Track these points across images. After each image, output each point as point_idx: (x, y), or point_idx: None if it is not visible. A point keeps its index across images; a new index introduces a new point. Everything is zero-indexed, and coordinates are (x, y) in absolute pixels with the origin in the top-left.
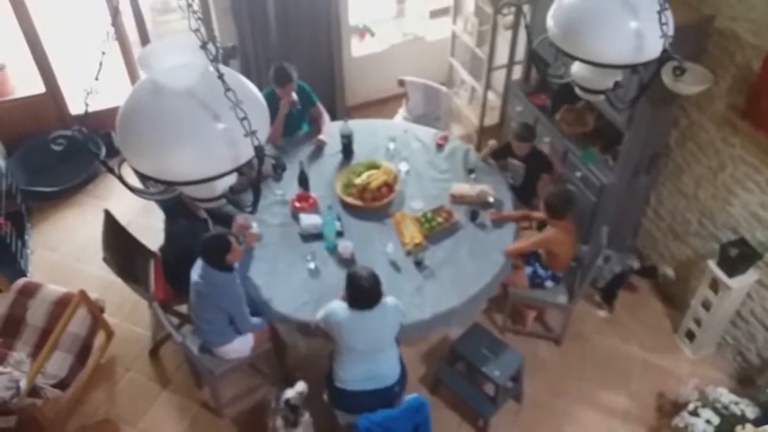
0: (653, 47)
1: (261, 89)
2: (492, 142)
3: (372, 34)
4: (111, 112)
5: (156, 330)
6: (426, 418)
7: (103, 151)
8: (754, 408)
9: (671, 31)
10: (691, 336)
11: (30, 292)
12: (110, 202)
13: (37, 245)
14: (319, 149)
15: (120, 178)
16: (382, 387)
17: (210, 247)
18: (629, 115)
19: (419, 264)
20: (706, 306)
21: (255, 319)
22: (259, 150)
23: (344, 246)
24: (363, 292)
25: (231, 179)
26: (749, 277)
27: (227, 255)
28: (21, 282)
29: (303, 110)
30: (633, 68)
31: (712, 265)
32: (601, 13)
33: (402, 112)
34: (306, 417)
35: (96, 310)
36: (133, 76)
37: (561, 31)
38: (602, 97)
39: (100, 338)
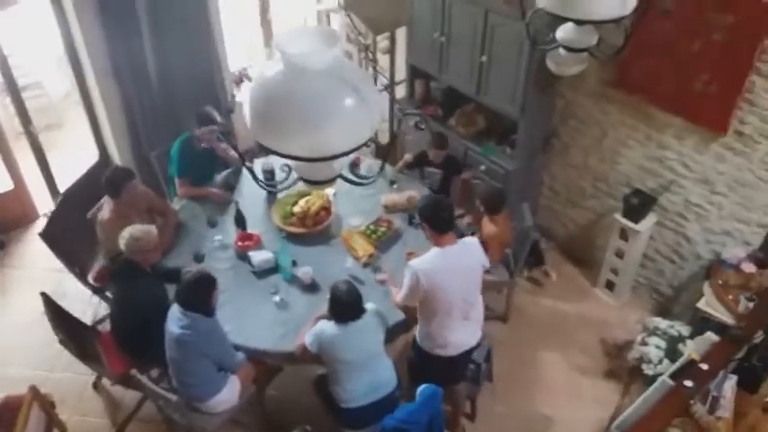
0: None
1: (151, 146)
2: (407, 156)
3: (250, 80)
4: None
5: (115, 413)
6: (440, 404)
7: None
8: (686, 327)
9: None
10: (610, 285)
11: None
12: (12, 296)
13: None
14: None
15: (255, 177)
16: (385, 395)
17: (195, 288)
18: (520, 105)
19: (378, 272)
20: (619, 255)
21: (240, 354)
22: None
23: (304, 271)
24: (347, 305)
25: (348, 159)
26: (650, 220)
27: (212, 294)
28: None
29: (214, 157)
30: (618, 21)
31: (619, 216)
32: None
33: None
34: None
35: (48, 407)
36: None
37: (558, 0)
38: (585, 55)
39: None
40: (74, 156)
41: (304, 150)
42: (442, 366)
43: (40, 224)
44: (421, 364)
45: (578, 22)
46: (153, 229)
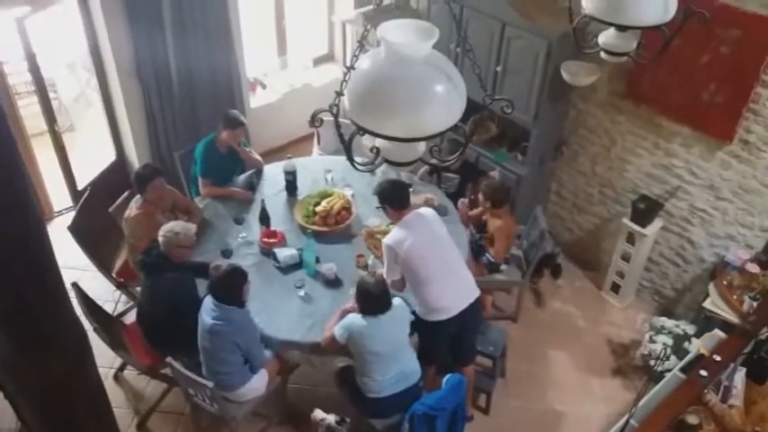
0: (671, 7)
1: (170, 147)
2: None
3: (264, 86)
4: None
5: (136, 405)
6: (464, 394)
7: None
8: (691, 326)
9: None
10: (616, 288)
11: None
12: None
13: None
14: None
15: (351, 160)
16: (410, 385)
17: (228, 282)
18: (534, 114)
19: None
20: (626, 258)
21: (267, 352)
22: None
23: (328, 267)
24: (375, 298)
25: (424, 145)
26: (656, 225)
27: (244, 287)
28: None
29: (237, 159)
30: (659, 27)
31: (626, 221)
32: None
33: (317, 150)
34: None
35: None
36: None
37: (603, 5)
38: (624, 58)
39: None
40: (87, 157)
41: (402, 131)
42: (444, 334)
43: (57, 222)
44: (426, 336)
45: (620, 28)
46: (192, 226)
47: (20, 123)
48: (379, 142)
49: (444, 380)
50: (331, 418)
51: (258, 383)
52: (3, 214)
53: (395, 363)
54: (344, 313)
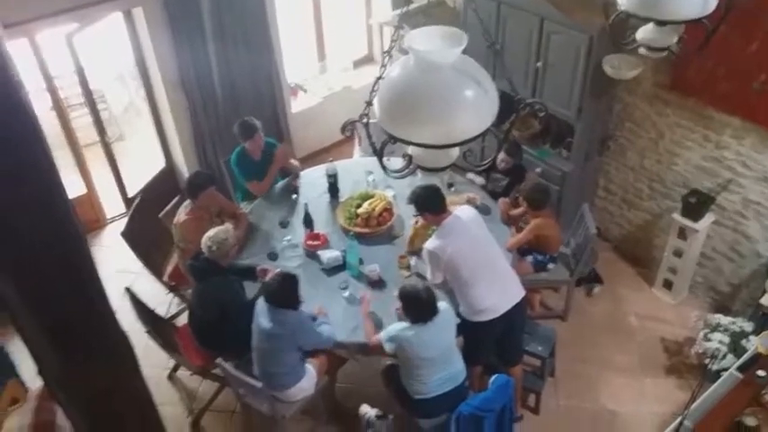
0: None
1: (216, 153)
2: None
3: (305, 91)
4: None
5: (189, 404)
6: (512, 394)
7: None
8: (748, 323)
9: None
10: (668, 284)
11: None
12: None
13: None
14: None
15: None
16: (457, 385)
17: (282, 287)
18: (577, 109)
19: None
20: (678, 254)
21: (327, 330)
22: (519, 97)
23: (371, 269)
24: (425, 306)
25: (457, 150)
26: (708, 219)
27: (298, 289)
28: (39, 386)
29: (272, 163)
30: (699, 20)
31: (677, 216)
32: None
33: (358, 151)
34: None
35: None
36: None
37: (640, 2)
38: (665, 53)
39: None
40: (137, 165)
41: (432, 138)
42: (490, 335)
43: (110, 229)
44: (470, 337)
45: (659, 23)
46: (231, 227)
47: (73, 135)
48: (411, 149)
49: (491, 380)
50: (372, 413)
51: (308, 383)
52: (42, 226)
53: (443, 365)
54: (369, 315)
